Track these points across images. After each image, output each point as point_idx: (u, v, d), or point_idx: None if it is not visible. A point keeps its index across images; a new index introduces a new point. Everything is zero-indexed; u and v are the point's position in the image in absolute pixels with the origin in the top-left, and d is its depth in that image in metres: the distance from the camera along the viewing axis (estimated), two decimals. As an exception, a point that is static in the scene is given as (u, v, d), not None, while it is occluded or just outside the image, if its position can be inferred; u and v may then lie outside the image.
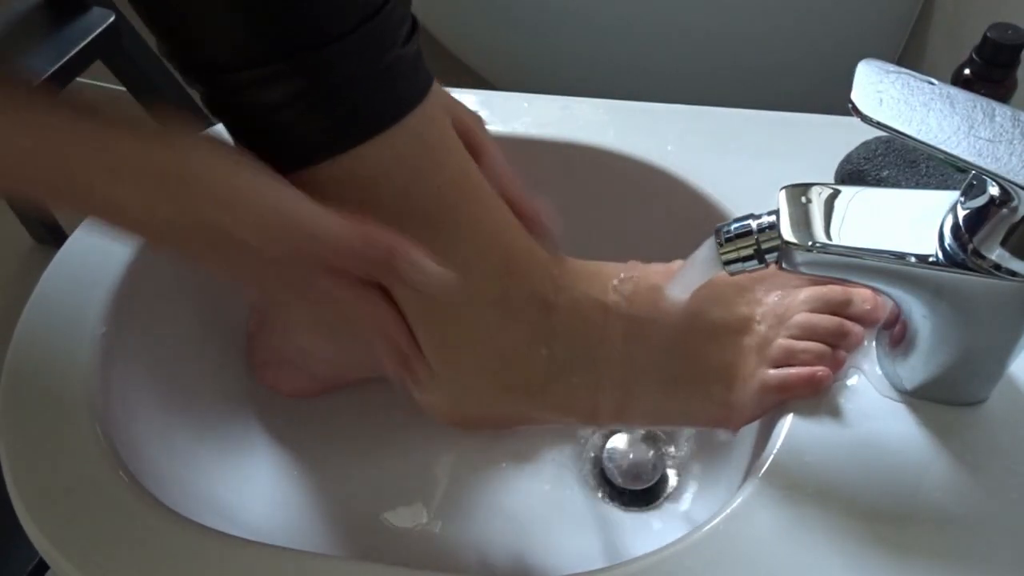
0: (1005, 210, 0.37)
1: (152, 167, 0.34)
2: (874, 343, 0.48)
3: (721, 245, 0.42)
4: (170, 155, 0.34)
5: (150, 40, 0.40)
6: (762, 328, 0.46)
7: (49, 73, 0.76)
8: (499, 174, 0.44)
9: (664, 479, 0.57)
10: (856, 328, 0.46)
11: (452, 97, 0.44)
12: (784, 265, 0.41)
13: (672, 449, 0.59)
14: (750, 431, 0.52)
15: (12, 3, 0.84)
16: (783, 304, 0.46)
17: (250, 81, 0.36)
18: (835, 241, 0.40)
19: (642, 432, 0.60)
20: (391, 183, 0.39)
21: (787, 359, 0.45)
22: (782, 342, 0.45)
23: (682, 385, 0.46)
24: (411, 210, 0.40)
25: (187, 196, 0.34)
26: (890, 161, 0.54)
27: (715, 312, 0.46)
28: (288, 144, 0.38)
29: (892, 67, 0.37)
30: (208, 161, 0.35)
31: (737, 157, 0.58)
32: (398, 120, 0.38)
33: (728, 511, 0.42)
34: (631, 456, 0.59)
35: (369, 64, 0.36)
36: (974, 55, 0.52)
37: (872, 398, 0.46)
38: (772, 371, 0.45)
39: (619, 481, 0.56)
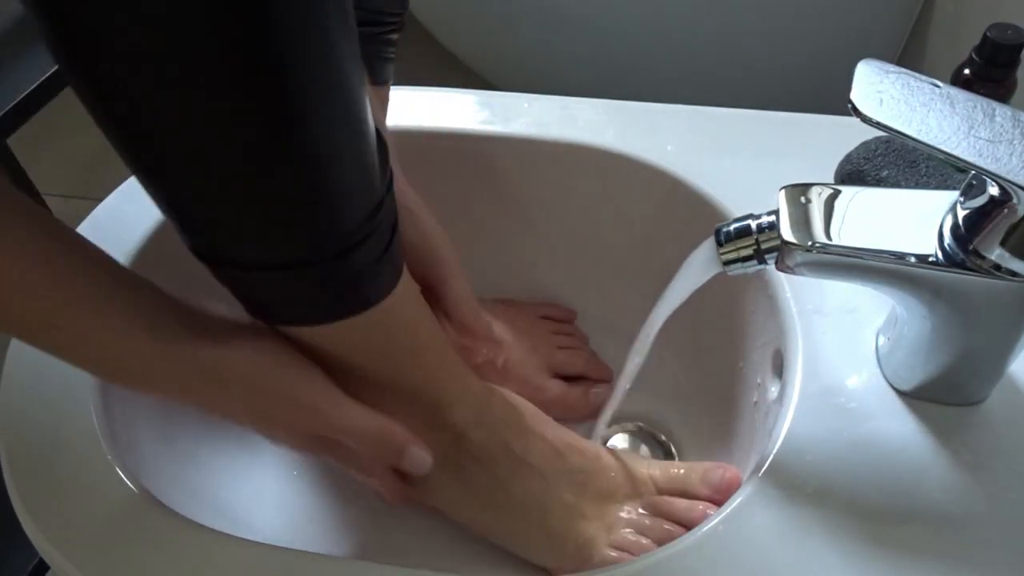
0: (1005, 210, 0.37)
1: (202, 372, 0.39)
2: (874, 343, 0.48)
3: (721, 245, 0.42)
4: (218, 357, 0.40)
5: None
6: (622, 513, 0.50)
7: (47, 76, 0.75)
8: (458, 301, 0.51)
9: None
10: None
11: (436, 233, 0.50)
12: (783, 265, 0.41)
13: (672, 448, 0.60)
14: (749, 429, 0.52)
15: (11, 5, 0.84)
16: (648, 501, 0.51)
17: (264, 272, 0.38)
18: (835, 241, 0.40)
19: (642, 431, 0.60)
20: (363, 346, 0.43)
21: (628, 548, 0.49)
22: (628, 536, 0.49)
23: (543, 536, 0.50)
24: (372, 367, 0.45)
25: (228, 395, 0.41)
26: (890, 161, 0.54)
27: (597, 482, 0.51)
28: (277, 309, 0.41)
29: (892, 67, 0.37)
30: (252, 360, 0.41)
31: (737, 157, 0.58)
32: (382, 299, 0.41)
33: (728, 511, 0.42)
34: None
35: (374, 254, 0.39)
36: (974, 55, 0.52)
37: (872, 398, 0.46)
38: (612, 552, 0.49)
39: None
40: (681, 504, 0.49)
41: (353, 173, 0.36)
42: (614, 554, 0.48)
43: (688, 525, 0.48)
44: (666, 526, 0.49)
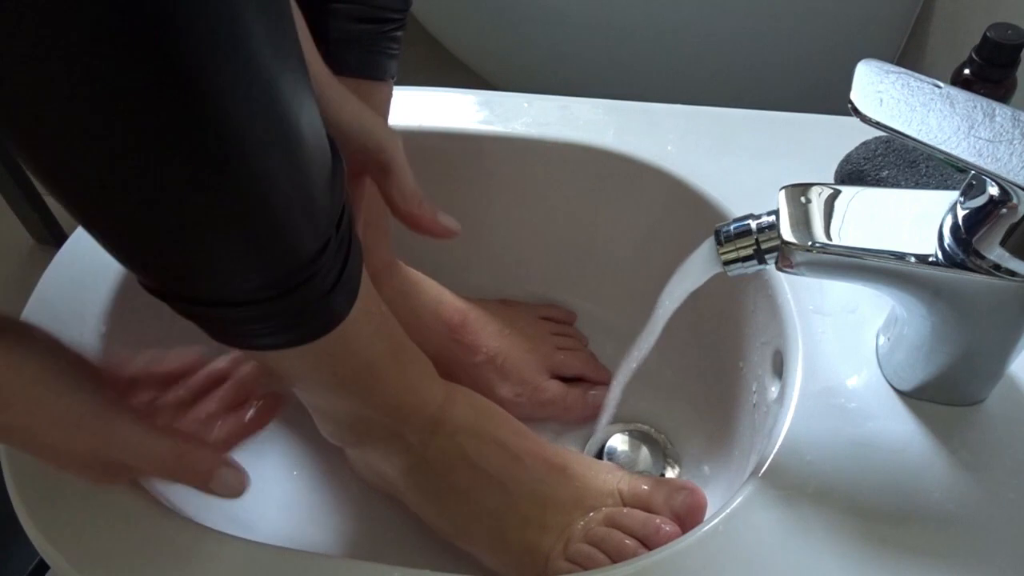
0: (1005, 210, 0.37)
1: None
2: (874, 343, 0.48)
3: (721, 245, 0.42)
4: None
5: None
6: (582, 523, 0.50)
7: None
8: (404, 194, 0.47)
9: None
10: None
11: (372, 121, 0.46)
12: (784, 265, 0.41)
13: (672, 448, 0.60)
14: (749, 430, 0.52)
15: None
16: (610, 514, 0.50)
17: (205, 307, 0.36)
18: (835, 241, 0.40)
19: (642, 431, 0.60)
20: (315, 368, 0.43)
21: (581, 562, 0.48)
22: (584, 548, 0.49)
23: (501, 545, 0.50)
24: (329, 383, 0.44)
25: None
26: (890, 161, 0.54)
27: (560, 493, 0.50)
28: (226, 337, 0.39)
29: (892, 67, 0.37)
30: (17, 373, 0.36)
31: (737, 157, 0.58)
32: (334, 327, 0.40)
33: (728, 511, 0.42)
34: (631, 455, 0.59)
35: (325, 285, 0.37)
36: (974, 55, 0.52)
37: (872, 398, 0.46)
38: (565, 564, 0.48)
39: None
40: (638, 517, 0.49)
41: (292, 208, 0.33)
42: (567, 566, 0.48)
43: (644, 541, 0.48)
44: (626, 540, 0.48)
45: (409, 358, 0.48)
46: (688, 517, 0.48)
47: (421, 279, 0.59)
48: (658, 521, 0.48)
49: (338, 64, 0.45)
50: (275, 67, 0.30)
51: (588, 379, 0.63)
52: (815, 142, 0.58)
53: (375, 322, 0.44)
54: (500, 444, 0.50)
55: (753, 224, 0.42)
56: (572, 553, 0.48)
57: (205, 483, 0.40)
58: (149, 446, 0.39)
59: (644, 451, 0.59)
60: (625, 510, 0.50)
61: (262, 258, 0.34)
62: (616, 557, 0.47)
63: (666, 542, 0.44)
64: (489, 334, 0.60)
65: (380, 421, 0.48)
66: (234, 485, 0.41)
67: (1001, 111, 0.36)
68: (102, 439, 0.38)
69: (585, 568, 0.47)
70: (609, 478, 0.52)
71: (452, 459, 0.49)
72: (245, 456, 0.54)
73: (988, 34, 0.51)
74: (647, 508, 0.50)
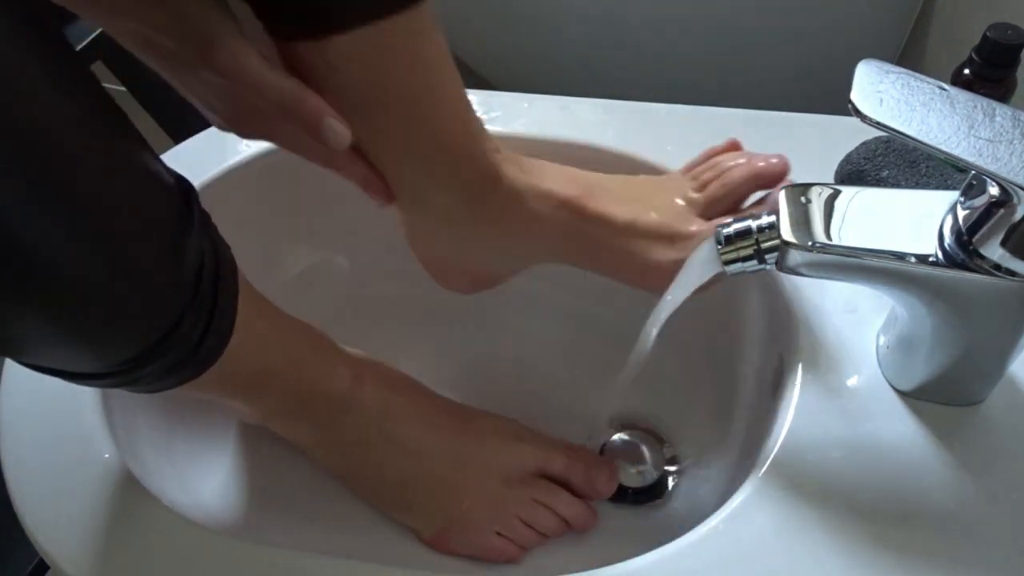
0: (1005, 210, 0.37)
1: None
2: (874, 343, 0.48)
3: (721, 245, 0.42)
4: None
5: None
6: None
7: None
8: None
9: (664, 478, 0.57)
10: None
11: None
12: (783, 265, 0.41)
13: (672, 447, 0.60)
14: (749, 430, 0.52)
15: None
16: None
17: (93, 381, 0.37)
18: (835, 241, 0.40)
19: (642, 431, 0.60)
20: (212, 384, 0.41)
21: (515, 538, 0.52)
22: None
23: (419, 506, 0.52)
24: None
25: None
26: (890, 161, 0.54)
27: (480, 459, 0.52)
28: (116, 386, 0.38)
29: (892, 67, 0.37)
30: None
31: (737, 157, 0.58)
32: (221, 353, 0.40)
33: (728, 511, 0.42)
34: (631, 454, 0.59)
35: (203, 327, 0.37)
36: (974, 55, 0.52)
37: (872, 398, 0.46)
38: (496, 540, 0.52)
39: (619, 479, 0.56)
40: (563, 498, 0.52)
41: (118, 307, 0.32)
42: (499, 543, 0.51)
43: (569, 521, 0.52)
44: (555, 518, 0.51)
45: (307, 350, 0.48)
46: (605, 492, 0.54)
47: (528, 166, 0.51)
48: (576, 507, 0.52)
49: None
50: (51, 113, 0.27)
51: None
52: (815, 142, 0.58)
53: (261, 332, 0.43)
54: (414, 416, 0.51)
55: (753, 224, 0.42)
56: (506, 528, 0.51)
57: (316, 126, 0.40)
58: (273, 79, 0.39)
59: (644, 451, 0.59)
60: (552, 487, 0.53)
61: (103, 355, 0.34)
62: (551, 535, 0.51)
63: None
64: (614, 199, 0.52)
65: (282, 411, 0.48)
66: (341, 133, 0.40)
67: (1001, 111, 0.36)
68: (239, 61, 0.39)
69: (520, 545, 0.51)
70: (535, 448, 0.53)
71: (365, 435, 0.50)
72: (246, 456, 0.54)
73: (988, 34, 0.51)
74: (566, 484, 0.53)
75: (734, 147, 0.52)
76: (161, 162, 0.36)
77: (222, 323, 0.39)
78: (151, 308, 0.34)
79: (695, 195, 0.50)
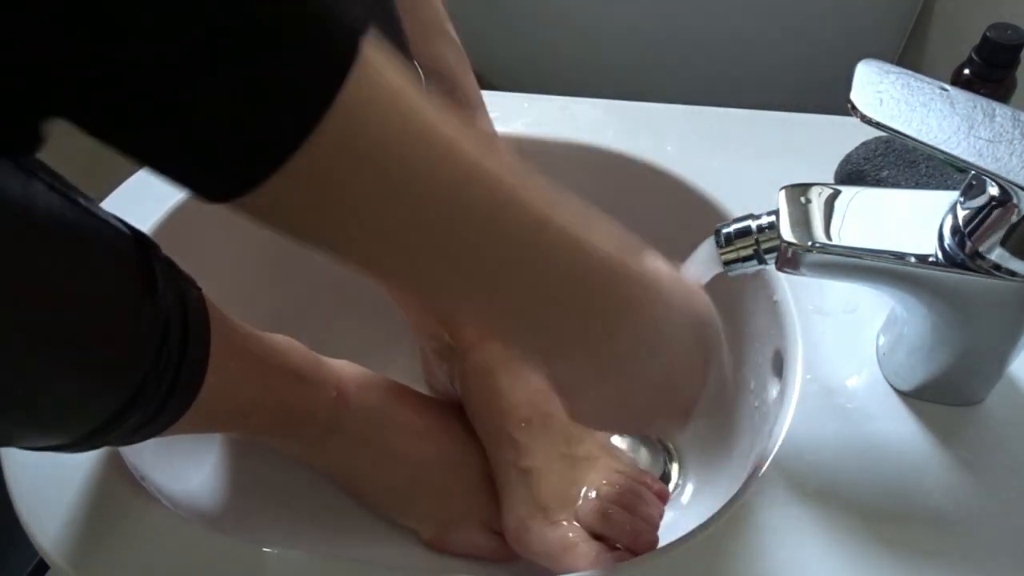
0: (1005, 210, 0.37)
1: None
2: (874, 343, 0.48)
3: (721, 245, 0.42)
4: None
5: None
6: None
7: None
8: None
9: (666, 478, 0.57)
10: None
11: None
12: (783, 265, 0.41)
13: (672, 449, 0.59)
14: (750, 430, 0.52)
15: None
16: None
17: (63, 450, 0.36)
18: (835, 241, 0.40)
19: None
20: (188, 428, 0.40)
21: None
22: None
23: (414, 510, 0.53)
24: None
25: None
26: (890, 161, 0.54)
27: (463, 468, 0.53)
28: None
29: (892, 67, 0.37)
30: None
31: (737, 157, 0.58)
32: (191, 405, 0.39)
33: (728, 511, 0.42)
34: (631, 456, 0.59)
35: (167, 390, 0.36)
36: (974, 55, 0.52)
37: (872, 398, 0.46)
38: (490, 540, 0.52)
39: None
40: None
41: (68, 395, 0.31)
42: (496, 542, 0.51)
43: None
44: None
45: (286, 378, 0.46)
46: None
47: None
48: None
49: None
50: None
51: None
52: (815, 142, 0.58)
53: (236, 371, 0.42)
54: (401, 425, 0.51)
55: (753, 224, 0.42)
56: (497, 527, 0.51)
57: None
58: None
59: (644, 451, 0.59)
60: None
61: (58, 436, 0.34)
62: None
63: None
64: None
65: (267, 434, 0.48)
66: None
67: (1001, 111, 0.36)
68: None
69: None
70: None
71: (353, 451, 0.50)
72: (245, 457, 0.54)
73: (988, 34, 0.51)
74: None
75: (662, 495, 0.50)
76: (112, 226, 0.33)
77: (191, 376, 0.37)
78: (107, 386, 0.33)
79: (593, 506, 0.47)
